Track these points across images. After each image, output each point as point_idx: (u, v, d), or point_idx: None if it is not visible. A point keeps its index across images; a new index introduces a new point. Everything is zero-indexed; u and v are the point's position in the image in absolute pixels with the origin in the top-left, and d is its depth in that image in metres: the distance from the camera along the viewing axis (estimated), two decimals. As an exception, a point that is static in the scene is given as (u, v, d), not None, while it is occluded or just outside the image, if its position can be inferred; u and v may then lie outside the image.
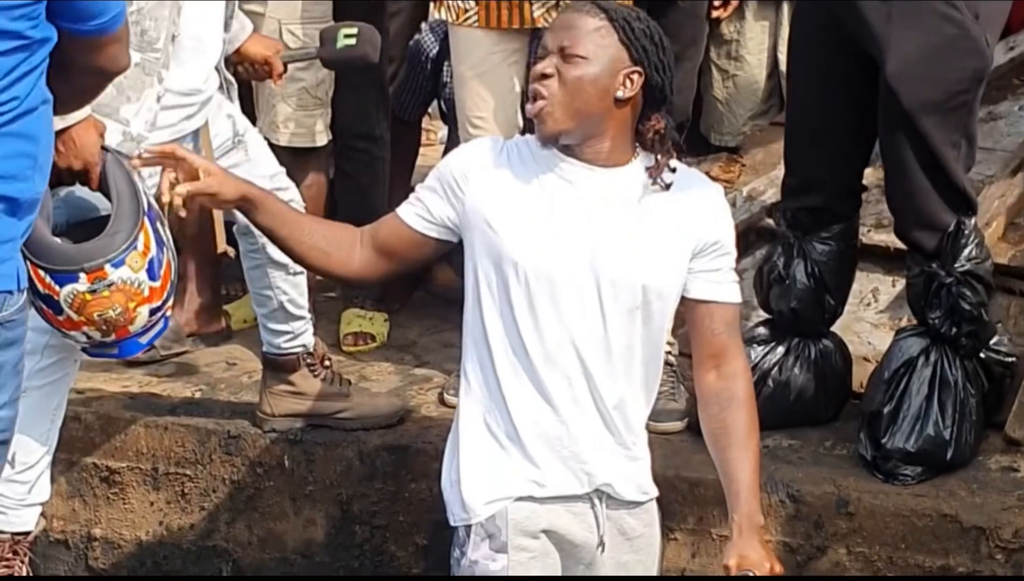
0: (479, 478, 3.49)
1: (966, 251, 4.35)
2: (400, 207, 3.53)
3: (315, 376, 4.81)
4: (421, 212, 3.49)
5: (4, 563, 4.29)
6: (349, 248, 3.54)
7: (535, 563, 3.51)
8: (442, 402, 4.94)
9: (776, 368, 4.62)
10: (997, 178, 5.20)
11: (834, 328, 4.86)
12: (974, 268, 4.36)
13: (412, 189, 3.66)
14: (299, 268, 4.68)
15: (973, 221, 4.39)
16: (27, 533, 4.35)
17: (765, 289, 4.66)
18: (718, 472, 3.55)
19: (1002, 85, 5.68)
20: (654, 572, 3.68)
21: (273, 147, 5.02)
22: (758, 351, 4.61)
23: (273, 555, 4.90)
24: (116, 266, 3.77)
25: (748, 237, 5.27)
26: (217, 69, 4.44)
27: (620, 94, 3.36)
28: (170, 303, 3.94)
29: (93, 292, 3.76)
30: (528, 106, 3.42)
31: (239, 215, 4.40)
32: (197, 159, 3.51)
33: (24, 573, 4.33)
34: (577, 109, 3.36)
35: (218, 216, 4.53)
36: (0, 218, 3.25)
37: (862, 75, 4.35)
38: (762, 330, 4.68)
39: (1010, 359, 4.50)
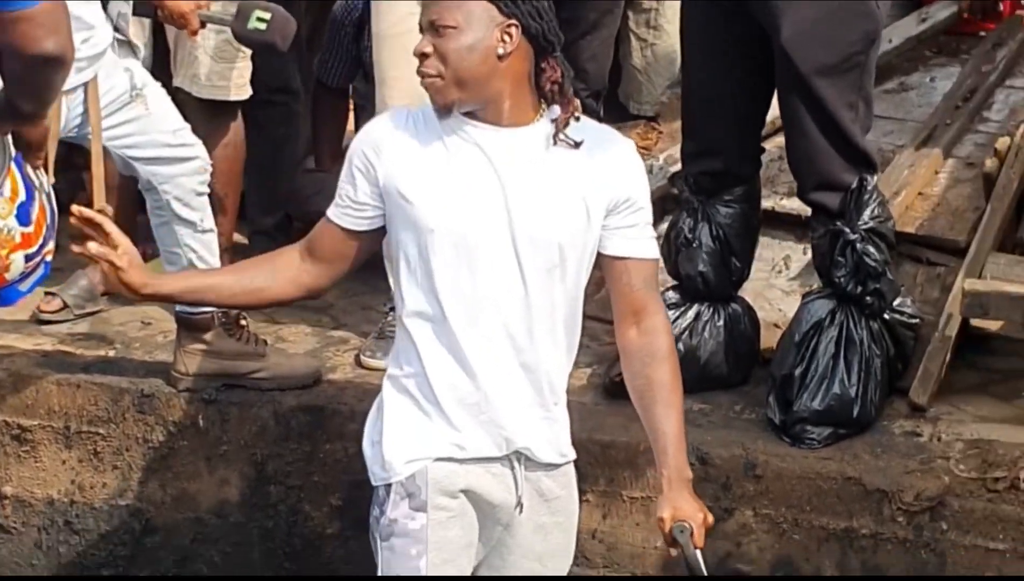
0: (400, 438, 3.52)
1: (869, 209, 4.42)
2: (329, 210, 3.54)
3: (230, 336, 4.82)
4: (349, 209, 3.51)
5: None
6: (287, 270, 3.57)
7: (453, 522, 3.54)
8: (359, 364, 4.96)
9: (686, 333, 4.67)
10: (907, 148, 5.28)
11: (746, 295, 4.93)
12: (877, 226, 4.45)
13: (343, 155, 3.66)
14: (209, 225, 4.69)
15: (875, 179, 4.47)
16: None
17: (673, 254, 4.70)
18: (645, 428, 3.59)
19: (913, 56, 5.77)
20: (572, 533, 3.73)
21: (192, 101, 5.02)
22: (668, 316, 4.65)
23: (187, 515, 4.91)
24: None
25: (664, 205, 5.33)
26: (116, 27, 4.43)
27: (501, 51, 3.37)
28: (49, 248, 3.88)
29: None
30: (421, 83, 3.42)
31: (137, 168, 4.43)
32: (119, 237, 3.51)
33: None
34: (463, 79, 3.37)
35: (97, 173, 4.50)
36: None
37: (755, 39, 4.40)
38: (671, 294, 4.72)
39: (914, 320, 4.58)
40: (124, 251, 3.50)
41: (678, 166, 5.40)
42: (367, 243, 3.58)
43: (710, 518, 3.54)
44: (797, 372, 4.46)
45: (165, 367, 4.90)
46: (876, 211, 4.45)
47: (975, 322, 4.67)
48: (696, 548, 3.47)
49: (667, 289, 4.76)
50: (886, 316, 4.51)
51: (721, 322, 4.71)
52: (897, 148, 5.32)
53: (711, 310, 4.71)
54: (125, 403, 4.86)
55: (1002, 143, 5.01)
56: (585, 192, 3.48)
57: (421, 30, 3.40)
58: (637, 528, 4.54)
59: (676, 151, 5.50)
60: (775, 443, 4.46)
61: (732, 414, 4.62)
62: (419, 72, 3.40)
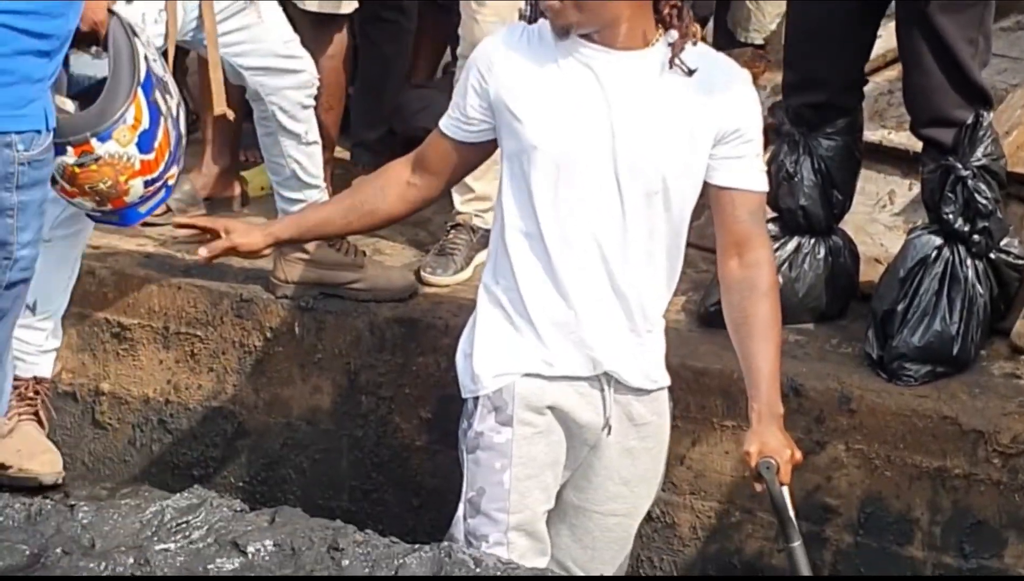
0: (490, 353, 3.55)
1: (982, 146, 4.38)
2: (441, 122, 3.57)
3: (330, 246, 4.84)
4: (461, 122, 3.54)
5: (27, 403, 4.36)
6: (395, 187, 3.62)
7: (539, 438, 3.57)
8: (418, 279, 4.96)
9: (786, 265, 4.65)
10: (1021, 87, 5.20)
11: (848, 229, 4.89)
12: (990, 164, 4.41)
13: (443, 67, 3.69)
14: (313, 137, 4.70)
15: (990, 117, 4.43)
16: (46, 378, 4.42)
17: (773, 187, 4.64)
18: (739, 360, 3.58)
19: (1032, -5, 5.68)
20: (661, 460, 3.76)
21: (299, 13, 5.01)
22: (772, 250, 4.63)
23: (278, 420, 4.96)
24: (102, 140, 3.77)
25: (768, 135, 5.27)
26: None
27: None
28: (172, 172, 3.94)
29: (81, 165, 3.76)
30: (540, 3, 3.42)
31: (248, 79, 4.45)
32: (217, 222, 3.63)
33: (45, 416, 4.41)
34: (585, 3, 3.36)
35: (216, 77, 4.52)
36: (31, 57, 3.25)
37: None
38: (771, 227, 4.68)
39: (1020, 261, 4.53)
40: (226, 229, 3.60)
41: (783, 96, 5.37)
42: (476, 155, 3.60)
43: (798, 455, 3.54)
44: (900, 308, 4.43)
45: (264, 273, 4.93)
46: (989, 149, 4.40)
47: (1082, 265, 4.60)
48: (782, 484, 3.46)
49: (768, 221, 4.72)
50: (992, 256, 4.47)
51: (821, 255, 4.68)
52: (1011, 87, 5.24)
53: (812, 242, 4.68)
54: (224, 307, 4.91)
55: (1119, 85, 4.93)
56: (693, 121, 3.46)
57: None
58: (726, 456, 4.54)
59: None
60: (871, 378, 4.44)
61: (828, 347, 4.60)
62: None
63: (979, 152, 4.38)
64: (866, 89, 5.31)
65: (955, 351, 4.41)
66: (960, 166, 4.39)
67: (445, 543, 3.05)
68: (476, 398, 3.57)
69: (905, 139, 5.08)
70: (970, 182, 4.39)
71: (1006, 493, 4.27)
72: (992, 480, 4.29)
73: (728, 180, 3.53)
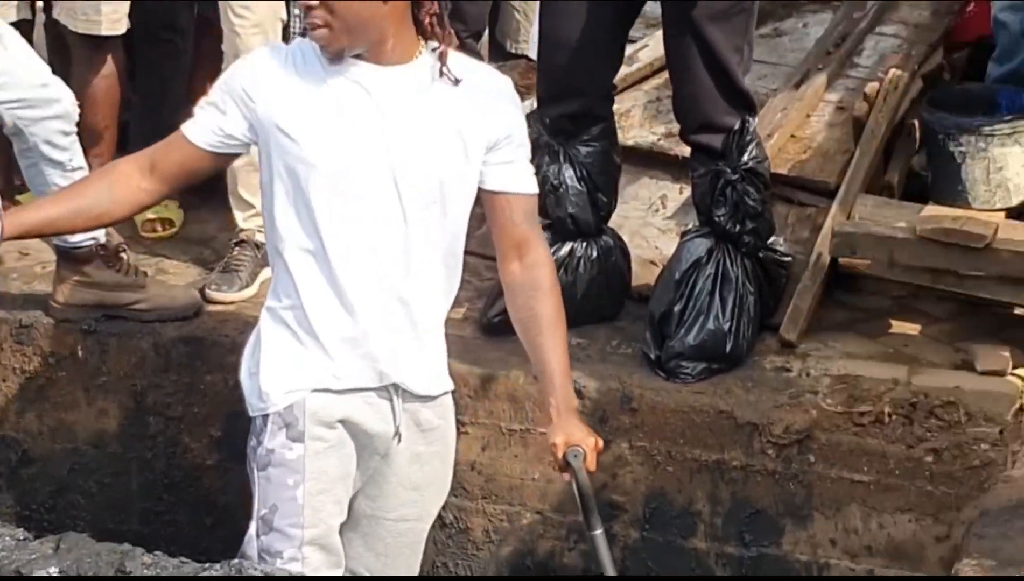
0: (278, 369, 3.56)
1: (749, 150, 4.54)
2: (187, 129, 3.52)
3: (109, 267, 4.82)
4: (213, 130, 3.50)
5: None
6: (127, 191, 3.55)
7: (330, 452, 3.59)
8: (203, 297, 4.96)
9: (562, 269, 4.72)
10: (780, 92, 5.38)
11: (623, 233, 5.02)
12: (756, 166, 4.57)
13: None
14: (78, 163, 4.65)
15: (755, 122, 4.58)
16: None
17: (540, 198, 4.73)
18: (531, 359, 3.67)
19: (788, 3, 5.88)
20: (449, 464, 3.81)
21: (70, 34, 4.99)
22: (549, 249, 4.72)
23: (64, 445, 4.92)
24: None
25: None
26: None
27: None
28: None
29: None
30: (308, 34, 3.44)
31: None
32: None
33: None
34: (353, 27, 3.40)
35: None
36: None
37: None
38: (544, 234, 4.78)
39: (786, 258, 4.71)
40: None
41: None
42: (216, 166, 3.61)
43: (600, 443, 3.65)
44: (676, 309, 4.56)
45: (44, 298, 4.89)
46: (755, 152, 4.56)
47: (843, 261, 4.78)
48: (589, 472, 3.56)
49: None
50: (760, 254, 4.63)
51: (595, 257, 4.78)
52: (771, 91, 5.41)
53: (584, 245, 4.78)
54: (2, 333, 4.86)
55: (871, 88, 5.13)
56: (464, 129, 3.53)
57: None
58: (515, 460, 4.63)
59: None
60: (650, 377, 4.56)
61: (609, 349, 4.71)
62: (307, 23, 3.41)
63: (746, 156, 4.54)
64: (637, 96, 5.49)
65: (728, 348, 4.56)
66: (729, 170, 4.53)
67: (236, 560, 3.05)
68: (265, 416, 3.56)
69: (675, 144, 5.21)
70: (739, 185, 4.54)
71: (781, 482, 4.43)
72: (768, 470, 4.44)
73: (502, 184, 3.61)
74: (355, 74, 3.46)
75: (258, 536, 3.59)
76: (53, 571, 2.89)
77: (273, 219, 3.54)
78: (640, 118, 5.41)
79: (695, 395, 4.50)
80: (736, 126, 4.52)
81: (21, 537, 3.01)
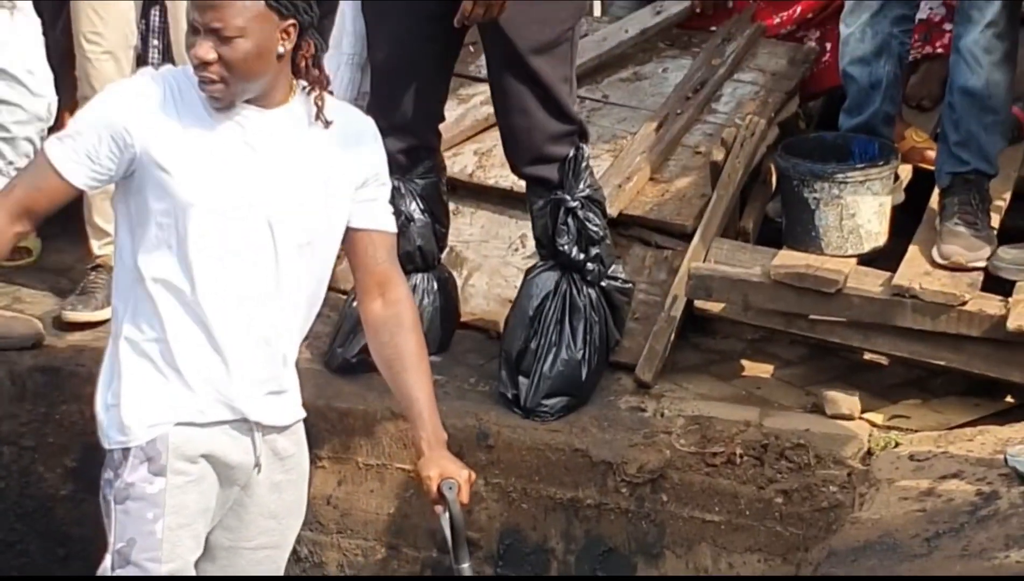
0: (140, 403, 3.54)
1: (584, 177, 4.62)
2: (61, 166, 3.47)
3: None
4: (92, 169, 3.48)
5: None
6: (3, 239, 3.51)
7: (192, 487, 3.58)
8: (60, 320, 4.94)
9: None
10: (639, 135, 5.45)
11: (483, 273, 5.08)
12: (593, 193, 4.65)
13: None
14: (16, 167, 4.63)
15: (588, 148, 4.66)
16: None
17: None
18: (397, 395, 3.70)
19: (648, 48, 5.93)
20: (304, 489, 3.82)
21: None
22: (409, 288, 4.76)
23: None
24: None
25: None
26: None
27: (281, 50, 3.45)
28: None
29: None
30: (200, 85, 3.44)
31: None
32: None
33: None
34: (247, 81, 3.44)
35: None
36: None
37: (436, 13, 4.46)
38: None
39: (627, 285, 4.77)
40: None
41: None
42: (69, 200, 3.58)
43: (473, 476, 3.69)
44: (532, 346, 4.62)
45: None
46: (590, 180, 4.66)
47: (699, 304, 4.85)
48: (462, 505, 3.61)
49: None
50: (603, 283, 4.70)
51: (435, 288, 4.85)
52: (630, 135, 5.47)
53: (425, 279, 4.83)
54: None
55: (729, 134, 5.22)
56: (336, 171, 3.58)
57: (198, 31, 3.40)
58: (371, 495, 4.65)
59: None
60: (507, 415, 4.60)
61: (467, 386, 4.75)
62: (201, 77, 3.42)
63: (582, 183, 4.61)
64: (495, 136, 5.53)
65: (584, 376, 4.62)
66: (569, 198, 4.60)
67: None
68: (126, 449, 3.53)
69: (535, 185, 5.29)
70: (579, 212, 4.60)
71: (634, 520, 4.49)
72: (621, 508, 4.50)
73: (367, 223, 3.65)
74: (236, 116, 3.48)
75: (113, 568, 3.56)
76: None
77: (136, 252, 3.52)
78: (501, 158, 5.41)
79: (551, 433, 4.55)
80: (571, 154, 4.58)
81: None
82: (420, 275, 4.81)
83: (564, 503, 4.54)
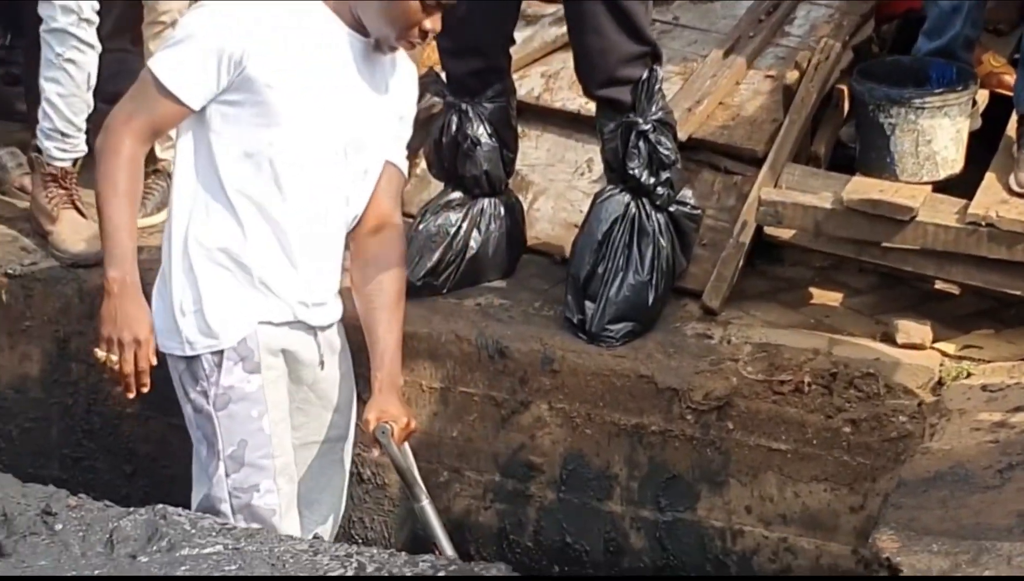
0: (223, 305, 3.65)
1: (658, 99, 4.55)
2: (181, 92, 3.58)
3: (44, 189, 4.88)
4: (205, 92, 3.59)
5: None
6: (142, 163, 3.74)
7: (281, 381, 3.74)
8: None
9: (475, 229, 4.78)
10: (710, 58, 5.39)
11: (549, 196, 5.05)
12: (665, 116, 4.59)
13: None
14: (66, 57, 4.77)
15: (661, 71, 4.58)
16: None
17: (448, 157, 4.75)
18: (364, 330, 3.81)
19: (720, -31, 5.88)
20: (353, 380, 3.97)
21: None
22: (456, 216, 4.76)
23: (-15, 389, 4.90)
24: None
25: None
26: None
27: None
28: None
29: None
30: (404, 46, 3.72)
31: None
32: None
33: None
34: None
35: None
36: None
37: None
38: (457, 194, 4.80)
39: (696, 212, 4.71)
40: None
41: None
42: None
43: (414, 423, 3.84)
44: (599, 270, 4.58)
45: (-32, 241, 4.86)
46: (662, 103, 4.59)
47: (768, 230, 4.81)
48: (398, 445, 3.75)
49: (448, 190, 4.82)
50: (672, 209, 4.64)
51: (502, 213, 4.83)
52: (701, 58, 5.42)
53: (492, 204, 4.81)
54: (-73, 275, 4.82)
55: (803, 57, 5.15)
56: (392, 101, 3.75)
57: (432, 10, 3.64)
58: (435, 418, 4.64)
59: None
60: (572, 340, 4.57)
61: (532, 310, 4.72)
62: (416, 42, 3.70)
63: (655, 106, 4.54)
64: (565, 58, 5.49)
65: (650, 302, 4.57)
66: (641, 121, 4.53)
67: (159, 505, 3.08)
68: (218, 352, 3.63)
69: (603, 108, 5.24)
70: (651, 136, 4.54)
71: (699, 448, 4.46)
72: (686, 435, 4.47)
73: (391, 156, 3.78)
74: (346, 41, 3.65)
75: (228, 475, 3.66)
76: (-22, 508, 2.91)
77: (217, 162, 3.62)
78: (568, 81, 5.40)
79: (616, 359, 4.52)
80: (644, 76, 4.52)
81: (-54, 476, 3.03)
82: (487, 200, 4.79)
83: (628, 429, 4.52)
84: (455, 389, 4.59)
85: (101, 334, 3.73)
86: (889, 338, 4.55)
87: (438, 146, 4.74)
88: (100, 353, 3.72)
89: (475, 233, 4.77)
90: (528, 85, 5.38)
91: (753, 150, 5.06)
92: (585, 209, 5.02)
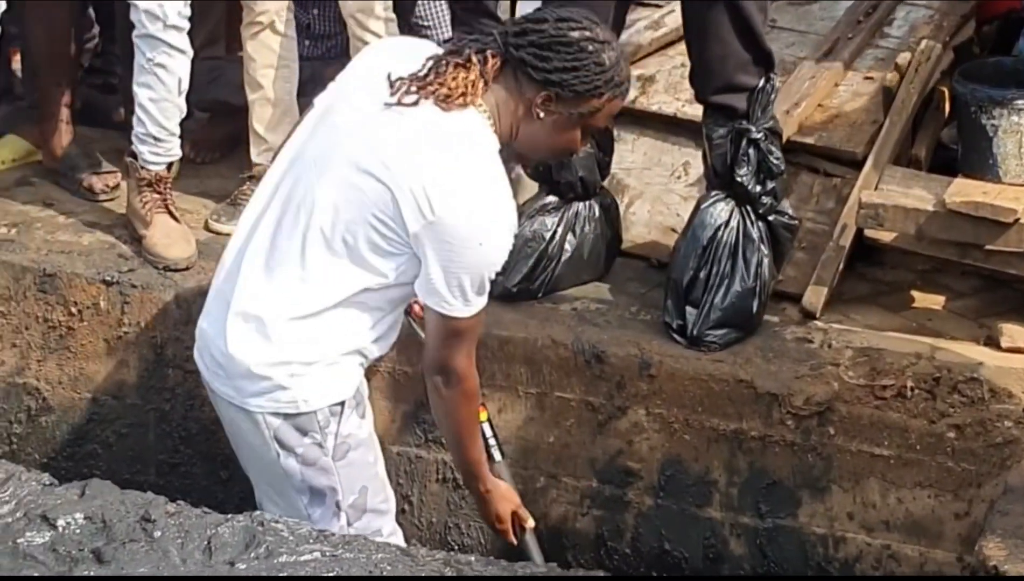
0: (342, 358, 3.56)
1: (770, 108, 4.54)
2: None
3: (138, 193, 4.95)
4: None
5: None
6: None
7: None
8: (206, 228, 5.04)
9: (570, 232, 4.76)
10: (808, 60, 5.34)
11: (645, 200, 5.01)
12: (775, 126, 4.57)
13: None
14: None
15: (777, 80, 4.57)
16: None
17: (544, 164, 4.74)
18: None
19: (818, -31, 5.83)
20: None
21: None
22: (552, 220, 4.75)
23: (84, 395, 4.92)
24: None
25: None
26: None
27: None
28: None
29: None
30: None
31: None
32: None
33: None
34: None
35: None
36: None
37: None
38: (551, 198, 4.79)
39: (794, 222, 4.67)
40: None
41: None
42: None
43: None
44: (702, 275, 4.54)
45: (66, 247, 4.90)
46: (772, 111, 4.56)
47: (869, 233, 4.75)
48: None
49: (544, 193, 4.81)
50: (770, 218, 4.61)
51: (597, 215, 4.81)
52: (799, 59, 5.37)
53: (587, 206, 4.80)
54: (26, 282, 4.85)
55: (903, 58, 5.09)
56: None
57: (586, 133, 3.56)
58: (531, 423, 4.63)
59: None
60: (669, 344, 4.54)
61: (628, 315, 4.69)
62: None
63: (768, 115, 4.53)
64: (662, 61, 5.46)
65: (754, 309, 4.54)
66: (753, 129, 4.50)
67: (257, 512, 3.07)
68: (339, 404, 3.53)
69: (699, 111, 5.19)
70: (762, 144, 4.51)
71: (799, 453, 4.41)
72: (786, 441, 4.43)
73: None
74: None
75: (350, 523, 3.58)
76: (79, 516, 2.93)
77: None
78: (665, 84, 5.38)
79: (715, 364, 4.48)
80: (761, 85, 4.49)
81: (47, 482, 3.04)
82: (582, 203, 4.77)
83: (727, 435, 4.48)
84: (551, 394, 4.57)
85: (495, 525, 3.88)
86: (993, 342, 4.49)
87: None
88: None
89: (570, 236, 4.75)
90: (624, 88, 5.34)
91: (853, 152, 5.01)
92: (682, 213, 4.99)
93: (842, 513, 4.41)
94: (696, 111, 5.19)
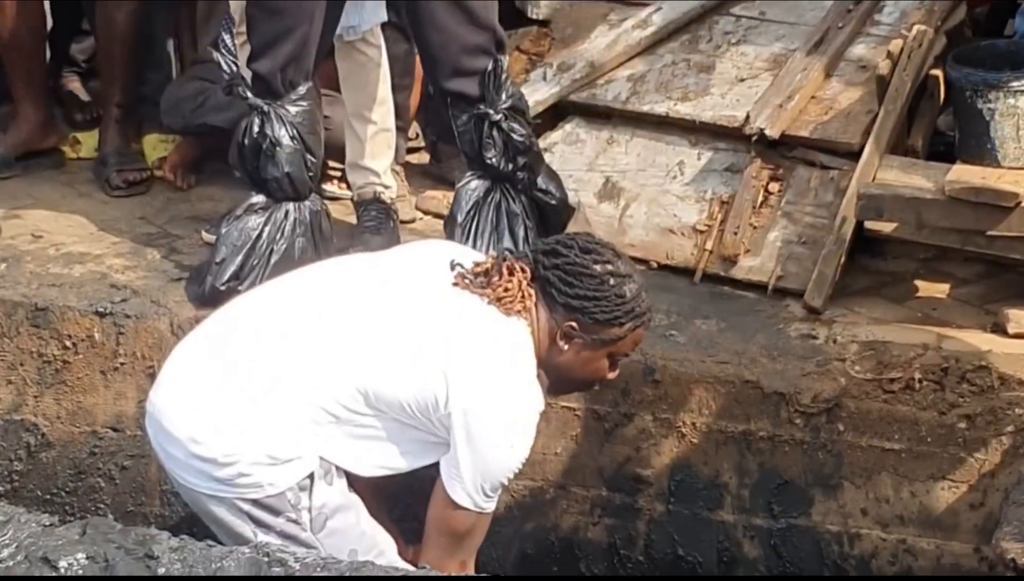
0: (300, 436, 3.51)
1: (506, 88, 4.65)
2: None
3: None
4: None
5: None
6: None
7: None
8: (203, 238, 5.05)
9: (278, 232, 4.72)
10: (799, 52, 5.29)
11: (640, 202, 4.97)
12: (516, 104, 4.69)
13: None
14: None
15: (506, 59, 4.67)
16: None
17: (251, 161, 4.70)
18: None
19: (805, -40, 5.76)
20: None
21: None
22: (258, 220, 4.71)
23: (83, 428, 4.88)
24: None
25: (557, 108, 5.37)
26: None
27: None
28: None
29: None
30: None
31: None
32: None
33: None
34: None
35: None
36: None
37: None
38: (259, 199, 4.75)
39: (557, 197, 4.80)
40: None
41: (570, 73, 5.42)
42: None
43: None
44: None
45: (58, 280, 4.86)
46: (511, 90, 4.69)
47: (869, 225, 4.71)
48: None
49: (253, 194, 4.76)
50: (534, 194, 4.74)
51: (307, 219, 4.76)
52: (789, 52, 5.32)
53: (296, 208, 4.75)
54: (19, 317, 4.81)
55: (895, 45, 5.03)
56: None
57: (616, 363, 3.64)
58: (539, 435, 4.53)
59: (568, 57, 5.52)
60: (673, 348, 4.50)
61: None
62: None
63: (504, 95, 4.64)
64: (651, 60, 5.42)
65: None
66: (492, 112, 4.63)
67: (262, 543, 3.03)
68: (308, 476, 3.48)
69: (691, 109, 5.17)
70: (504, 124, 4.65)
71: (809, 452, 4.37)
72: (796, 440, 4.38)
73: None
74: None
75: None
76: (80, 556, 2.89)
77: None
78: (655, 83, 5.34)
79: (719, 365, 4.44)
80: (489, 68, 4.60)
81: (47, 523, 3.01)
82: (292, 204, 4.74)
83: (736, 436, 4.43)
84: (556, 405, 4.51)
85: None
86: (1000, 328, 4.45)
87: (238, 148, 4.72)
88: None
89: (277, 236, 4.71)
90: (614, 90, 5.32)
91: (849, 143, 4.97)
92: (679, 213, 4.98)
93: (856, 510, 4.36)
94: (689, 109, 5.18)
